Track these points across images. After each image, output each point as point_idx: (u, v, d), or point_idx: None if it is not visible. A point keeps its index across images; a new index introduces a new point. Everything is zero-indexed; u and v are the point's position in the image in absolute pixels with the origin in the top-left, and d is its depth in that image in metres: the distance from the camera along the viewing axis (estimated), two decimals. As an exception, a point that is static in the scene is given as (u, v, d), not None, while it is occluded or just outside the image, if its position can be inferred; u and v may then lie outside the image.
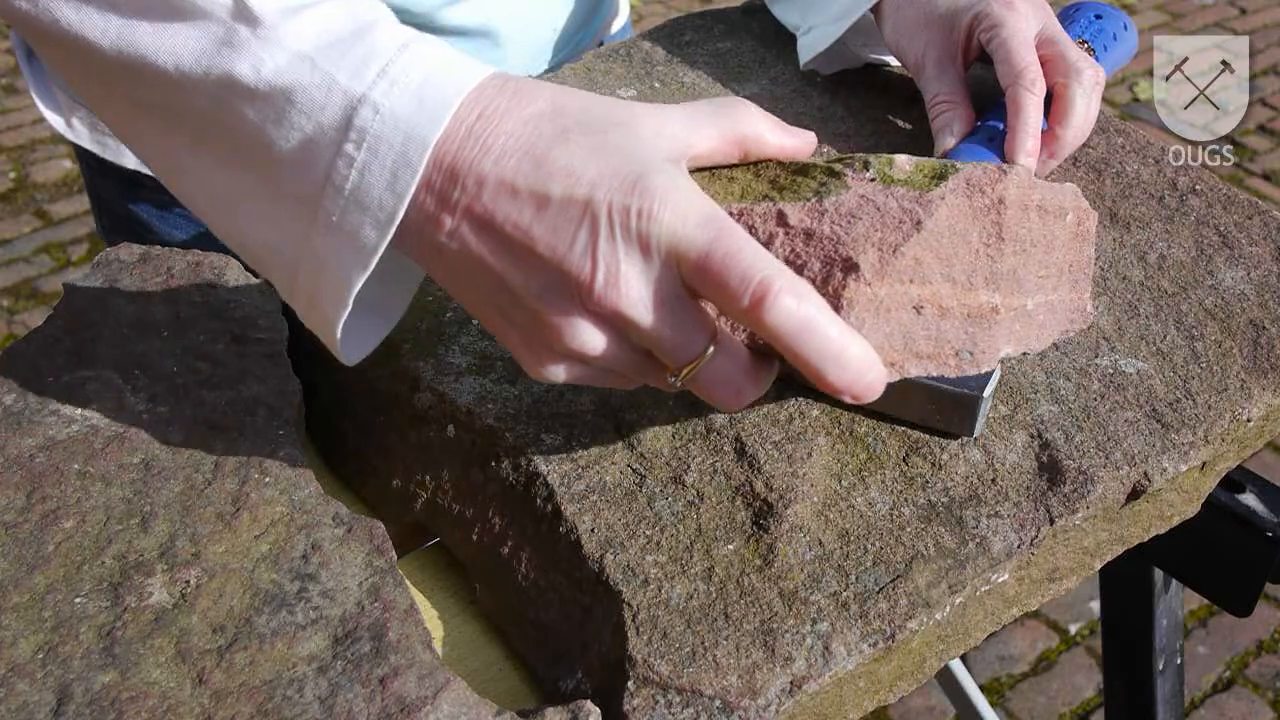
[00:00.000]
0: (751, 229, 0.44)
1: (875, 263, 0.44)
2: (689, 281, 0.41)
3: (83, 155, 0.92)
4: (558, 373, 0.44)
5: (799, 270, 0.44)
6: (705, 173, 0.47)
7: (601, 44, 0.89)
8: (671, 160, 0.43)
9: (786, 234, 0.44)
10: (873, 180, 0.45)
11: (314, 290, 0.45)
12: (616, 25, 0.99)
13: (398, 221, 0.42)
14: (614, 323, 0.42)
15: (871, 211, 0.44)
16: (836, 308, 0.43)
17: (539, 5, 0.86)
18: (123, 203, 0.89)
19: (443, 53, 0.44)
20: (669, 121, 0.44)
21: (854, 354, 0.41)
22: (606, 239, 0.41)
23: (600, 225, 0.41)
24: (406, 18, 0.78)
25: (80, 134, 0.87)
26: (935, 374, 0.46)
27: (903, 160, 0.46)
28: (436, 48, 0.44)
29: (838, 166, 0.46)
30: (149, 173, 0.74)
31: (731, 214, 0.44)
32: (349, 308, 0.44)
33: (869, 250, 0.44)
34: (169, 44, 0.43)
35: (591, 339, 0.42)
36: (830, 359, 0.41)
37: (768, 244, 0.44)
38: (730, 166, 0.47)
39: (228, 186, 0.45)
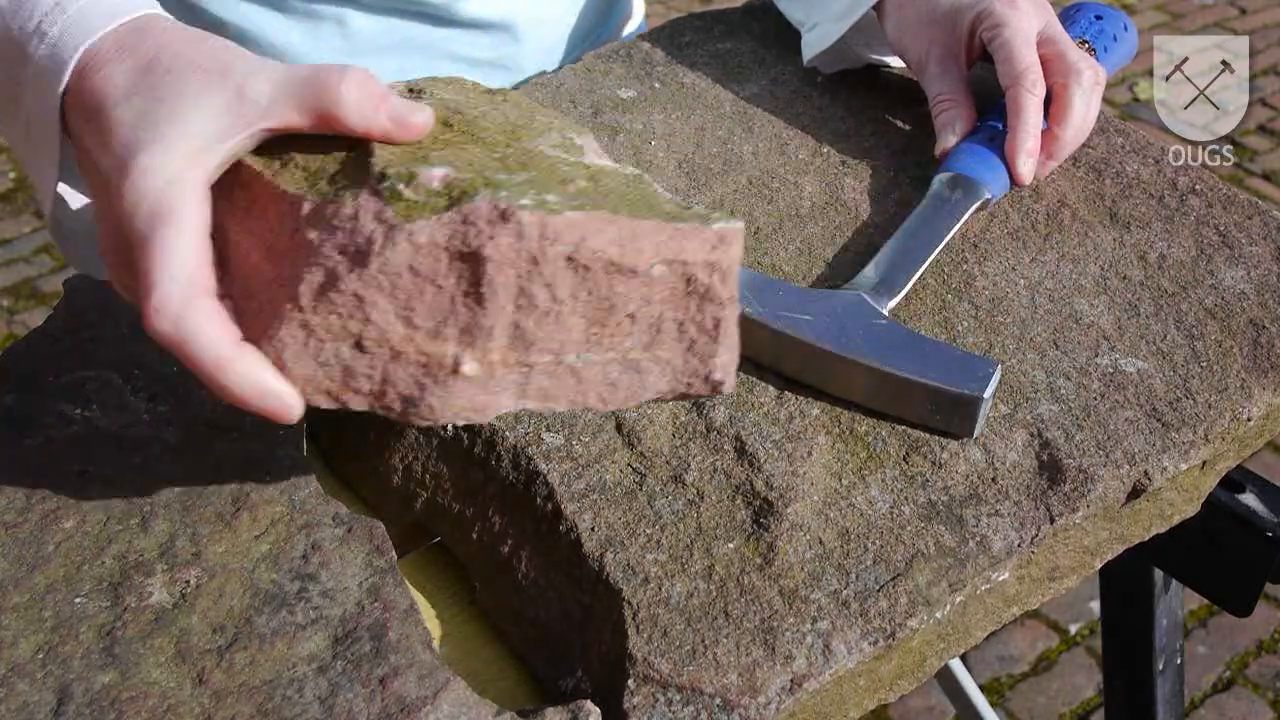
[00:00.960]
0: (268, 220, 0.44)
1: (316, 288, 0.42)
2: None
3: None
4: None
5: (281, 279, 0.43)
6: (276, 157, 0.45)
7: (616, 43, 0.89)
8: (219, 136, 0.44)
9: (293, 235, 0.43)
10: (377, 195, 0.42)
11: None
12: (632, 25, 0.99)
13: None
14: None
15: (342, 234, 0.41)
16: (272, 323, 0.43)
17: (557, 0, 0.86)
18: None
19: None
20: (252, 83, 0.44)
21: (233, 379, 0.42)
22: (113, 203, 0.44)
23: (110, 188, 0.44)
24: (425, 9, 0.78)
25: None
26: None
27: (430, 176, 0.42)
28: None
29: (366, 174, 0.43)
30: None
31: (257, 201, 0.44)
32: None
33: (315, 273, 0.42)
34: None
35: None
36: (208, 376, 0.42)
37: (275, 241, 0.43)
38: (326, 142, 0.45)
39: None
